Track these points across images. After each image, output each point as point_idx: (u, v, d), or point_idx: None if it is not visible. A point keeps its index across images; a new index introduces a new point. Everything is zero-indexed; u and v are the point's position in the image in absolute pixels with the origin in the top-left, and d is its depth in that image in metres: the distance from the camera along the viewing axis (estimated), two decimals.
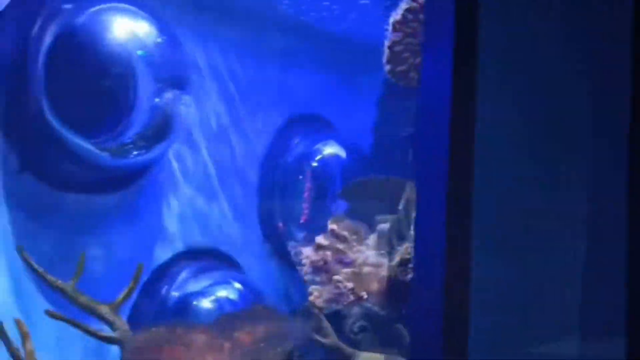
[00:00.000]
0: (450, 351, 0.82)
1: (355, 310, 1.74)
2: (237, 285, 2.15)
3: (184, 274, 2.13)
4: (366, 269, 1.53)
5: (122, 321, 1.58)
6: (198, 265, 2.17)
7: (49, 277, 1.57)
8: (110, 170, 1.95)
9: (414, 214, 1.61)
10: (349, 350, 1.63)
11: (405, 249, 1.50)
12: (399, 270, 1.47)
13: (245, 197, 2.31)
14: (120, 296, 1.63)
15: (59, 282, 1.57)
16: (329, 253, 1.60)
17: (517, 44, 0.88)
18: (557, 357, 0.87)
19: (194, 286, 2.11)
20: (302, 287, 2.15)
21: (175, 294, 2.10)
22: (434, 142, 0.84)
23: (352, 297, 1.54)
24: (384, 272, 1.51)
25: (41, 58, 1.78)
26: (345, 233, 1.63)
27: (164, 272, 2.11)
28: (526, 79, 0.87)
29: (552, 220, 0.90)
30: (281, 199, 2.38)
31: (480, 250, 0.82)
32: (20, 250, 1.60)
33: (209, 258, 2.20)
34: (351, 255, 1.56)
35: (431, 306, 0.83)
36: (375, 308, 1.67)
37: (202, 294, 2.10)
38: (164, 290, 2.09)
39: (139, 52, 1.89)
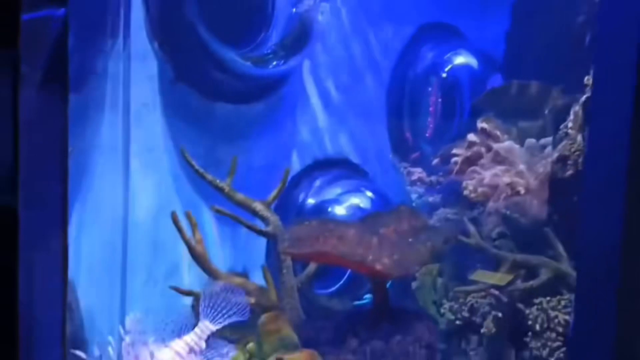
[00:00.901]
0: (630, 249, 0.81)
1: (494, 216, 1.74)
2: (369, 193, 2.21)
3: (318, 182, 2.21)
4: (521, 166, 1.52)
5: (275, 217, 1.69)
6: (331, 174, 2.23)
7: (209, 176, 1.69)
8: (252, 79, 2.02)
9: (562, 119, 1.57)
10: (493, 251, 1.65)
11: (564, 146, 1.47)
12: (557, 167, 1.45)
13: (375, 108, 2.32)
14: (272, 195, 1.73)
15: (218, 181, 1.69)
16: (482, 149, 1.60)
17: None
18: None
19: (328, 194, 2.19)
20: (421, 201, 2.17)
21: (311, 200, 2.19)
22: (620, 32, 0.80)
23: (509, 192, 1.54)
24: (540, 168, 1.49)
25: None
26: (497, 132, 1.62)
27: (300, 180, 2.20)
28: None
29: None
30: (410, 111, 2.37)
31: None
32: (182, 151, 1.73)
33: (341, 168, 2.26)
34: (503, 153, 1.55)
35: (608, 201, 0.81)
36: (515, 215, 1.67)
37: (336, 201, 2.18)
38: (301, 197, 2.19)
39: None
